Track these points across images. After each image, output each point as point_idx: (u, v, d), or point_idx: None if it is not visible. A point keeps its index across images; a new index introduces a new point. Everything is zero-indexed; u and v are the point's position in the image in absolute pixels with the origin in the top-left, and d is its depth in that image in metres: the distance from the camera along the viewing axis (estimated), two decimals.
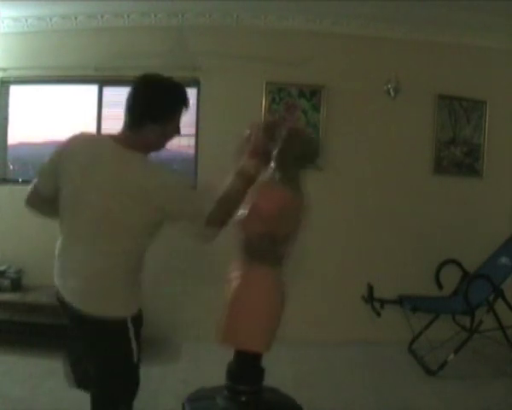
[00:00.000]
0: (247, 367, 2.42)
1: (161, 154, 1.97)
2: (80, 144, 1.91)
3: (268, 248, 2.26)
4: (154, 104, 1.74)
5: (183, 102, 1.80)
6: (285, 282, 2.39)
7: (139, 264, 1.81)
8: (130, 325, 1.74)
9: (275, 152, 2.29)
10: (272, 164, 2.30)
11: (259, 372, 2.48)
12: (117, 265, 1.73)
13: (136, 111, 1.74)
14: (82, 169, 1.75)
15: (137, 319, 1.79)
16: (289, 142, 2.30)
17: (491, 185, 4.18)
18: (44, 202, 1.89)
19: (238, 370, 2.43)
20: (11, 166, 4.27)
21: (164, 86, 1.78)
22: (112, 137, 1.79)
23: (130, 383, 1.84)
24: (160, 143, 1.84)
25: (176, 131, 1.84)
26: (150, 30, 3.92)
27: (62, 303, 1.80)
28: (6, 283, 3.73)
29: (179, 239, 3.67)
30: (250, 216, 2.22)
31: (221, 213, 1.78)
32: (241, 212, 2.18)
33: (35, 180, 1.91)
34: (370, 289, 3.49)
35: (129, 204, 1.68)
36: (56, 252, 1.84)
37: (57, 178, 1.82)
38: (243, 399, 2.39)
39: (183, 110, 1.81)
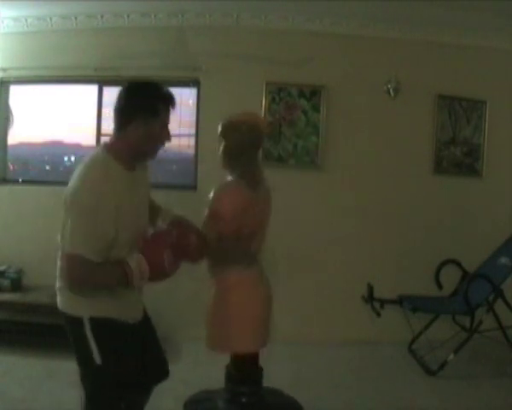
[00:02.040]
0: (244, 369, 2.41)
1: (161, 154, 1.96)
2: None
3: (236, 247, 2.17)
4: (133, 102, 1.75)
5: (164, 98, 1.78)
6: (265, 276, 2.34)
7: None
8: (86, 324, 1.75)
9: (219, 153, 2.25)
10: (221, 164, 2.25)
11: (257, 372, 2.47)
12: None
13: (119, 113, 1.76)
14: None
15: (100, 322, 1.77)
16: (227, 136, 2.21)
17: (491, 185, 4.19)
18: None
19: (236, 372, 2.42)
20: (11, 167, 4.27)
21: (143, 85, 1.82)
22: (103, 148, 1.79)
23: (97, 384, 1.84)
24: (146, 146, 1.79)
25: (163, 133, 1.80)
26: (150, 30, 3.92)
27: None
28: (6, 283, 3.73)
29: None
30: (211, 221, 2.13)
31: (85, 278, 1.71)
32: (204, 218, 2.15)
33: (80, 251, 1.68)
34: (370, 289, 3.49)
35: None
36: None
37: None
38: (244, 400, 2.39)
39: (166, 108, 1.79)
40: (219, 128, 2.25)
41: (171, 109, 1.82)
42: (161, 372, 2.10)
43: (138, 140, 1.75)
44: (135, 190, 1.81)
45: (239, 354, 2.34)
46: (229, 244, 2.15)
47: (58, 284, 1.83)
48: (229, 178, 2.24)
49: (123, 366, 1.82)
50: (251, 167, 2.22)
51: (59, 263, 1.80)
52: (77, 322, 1.77)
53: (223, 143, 2.23)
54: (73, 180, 1.71)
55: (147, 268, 1.71)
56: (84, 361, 1.82)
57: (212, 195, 2.17)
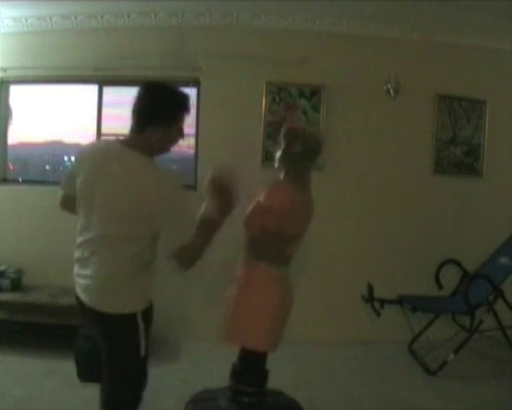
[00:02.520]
0: (251, 368, 2.41)
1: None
2: (93, 150, 1.96)
3: (275, 247, 2.25)
4: (156, 108, 1.80)
5: (184, 107, 1.85)
6: (290, 282, 2.38)
7: (144, 262, 1.85)
8: (139, 320, 1.82)
9: (278, 154, 2.33)
10: (277, 166, 2.33)
11: (263, 374, 2.47)
12: (122, 263, 1.80)
13: (140, 115, 1.81)
14: (94, 170, 1.81)
15: (146, 315, 1.86)
16: (290, 142, 2.29)
17: (491, 185, 4.18)
18: (71, 202, 1.91)
19: (242, 370, 2.42)
20: (11, 167, 4.27)
21: (166, 92, 1.84)
22: (120, 141, 1.87)
23: (136, 376, 1.90)
24: (163, 146, 1.88)
25: (179, 134, 1.89)
26: (150, 30, 3.92)
27: (77, 299, 1.91)
28: (6, 283, 3.72)
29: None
30: (257, 212, 2.21)
31: (187, 256, 1.84)
32: (249, 208, 2.22)
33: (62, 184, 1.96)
34: (370, 289, 3.49)
35: (130, 204, 1.75)
36: (76, 252, 1.90)
37: (75, 180, 1.86)
38: (246, 400, 2.39)
39: (185, 115, 1.86)
40: (282, 132, 2.35)
41: (189, 114, 1.89)
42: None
43: (156, 142, 1.82)
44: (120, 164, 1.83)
45: (249, 350, 2.35)
46: (269, 241, 2.22)
47: (109, 284, 1.81)
48: (280, 177, 2.34)
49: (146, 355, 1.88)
50: (304, 175, 2.33)
51: (106, 260, 1.79)
52: (128, 319, 1.81)
53: (283, 147, 2.32)
54: (146, 177, 1.76)
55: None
56: (128, 356, 1.85)
57: (265, 189, 2.24)
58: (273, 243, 2.23)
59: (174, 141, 1.90)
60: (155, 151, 1.87)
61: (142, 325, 1.83)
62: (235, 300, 2.29)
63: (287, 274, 2.36)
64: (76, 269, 1.89)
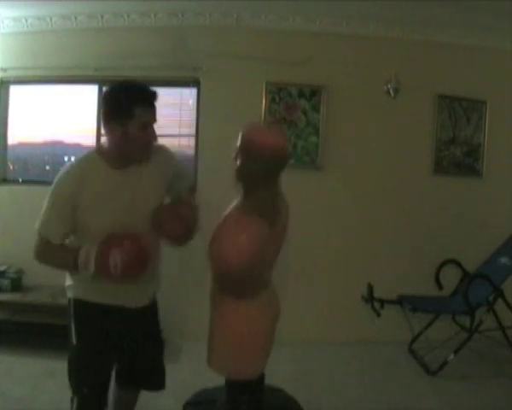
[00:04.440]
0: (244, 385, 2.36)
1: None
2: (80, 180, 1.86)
3: (245, 284, 1.88)
4: (108, 103, 1.78)
5: (139, 99, 1.74)
6: (274, 296, 2.10)
7: None
8: (71, 305, 1.96)
9: (235, 165, 1.82)
10: (234, 182, 1.85)
11: (258, 380, 2.45)
12: None
13: (102, 115, 1.82)
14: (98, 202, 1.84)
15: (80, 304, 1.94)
16: (249, 157, 1.76)
17: (491, 185, 4.18)
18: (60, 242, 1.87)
19: (236, 382, 2.38)
20: (11, 167, 4.26)
21: (119, 87, 1.79)
22: (98, 154, 1.88)
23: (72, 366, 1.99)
24: (127, 145, 1.78)
25: (142, 131, 1.76)
26: (150, 30, 3.92)
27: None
28: (6, 283, 3.73)
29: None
30: (220, 260, 1.77)
31: None
32: (212, 238, 1.81)
33: (43, 233, 1.85)
34: (370, 289, 3.49)
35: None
36: None
37: (74, 212, 1.84)
38: (243, 407, 2.36)
39: (142, 109, 1.74)
40: (239, 140, 1.80)
41: (151, 108, 1.78)
42: (149, 380, 2.18)
43: (117, 139, 1.77)
44: (124, 188, 1.84)
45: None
46: (238, 282, 1.85)
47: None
48: (241, 197, 1.88)
49: (89, 346, 1.94)
50: (271, 194, 1.85)
51: None
52: (69, 304, 1.98)
53: (242, 160, 1.79)
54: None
55: (92, 261, 1.74)
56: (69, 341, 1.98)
57: (221, 223, 1.83)
58: (242, 281, 1.84)
59: (140, 140, 1.77)
60: (122, 153, 1.80)
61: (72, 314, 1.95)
62: (214, 333, 2.04)
63: (268, 293, 2.04)
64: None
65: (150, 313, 2.14)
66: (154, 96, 1.78)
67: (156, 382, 2.21)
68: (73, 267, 1.78)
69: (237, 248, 1.71)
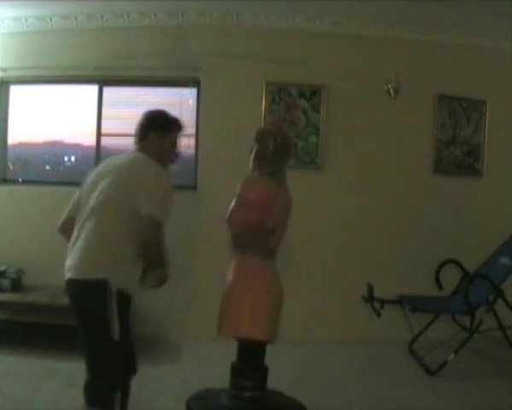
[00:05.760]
0: (250, 363, 2.43)
1: None
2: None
3: (257, 240, 2.34)
4: (154, 120, 2.25)
5: (175, 122, 2.28)
6: (278, 275, 2.44)
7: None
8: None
9: (252, 156, 2.47)
10: (251, 165, 2.47)
11: (263, 369, 2.48)
12: None
13: (142, 127, 2.23)
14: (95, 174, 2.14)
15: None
16: (262, 143, 2.46)
17: (491, 185, 4.19)
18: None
19: (242, 366, 2.43)
20: (11, 167, 4.26)
21: (161, 111, 2.31)
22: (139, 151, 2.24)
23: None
24: (162, 152, 2.18)
25: (172, 146, 2.24)
26: (150, 30, 3.92)
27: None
28: (6, 283, 3.72)
29: (178, 240, 3.67)
30: (237, 207, 2.36)
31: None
32: (230, 205, 2.39)
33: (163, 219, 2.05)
34: (370, 289, 3.49)
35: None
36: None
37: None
38: (247, 395, 2.39)
39: (176, 129, 2.27)
40: (255, 134, 2.52)
41: (181, 132, 2.30)
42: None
43: (155, 146, 2.17)
44: None
45: (247, 344, 2.36)
46: (251, 234, 2.34)
47: (81, 252, 1.97)
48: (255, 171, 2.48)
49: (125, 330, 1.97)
50: (278, 169, 2.45)
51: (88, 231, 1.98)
52: (99, 285, 1.93)
53: (256, 147, 2.47)
54: (138, 166, 2.09)
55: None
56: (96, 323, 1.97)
57: (240, 184, 2.39)
58: (255, 237, 2.34)
59: (170, 151, 2.24)
60: (156, 157, 2.14)
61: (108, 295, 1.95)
62: (228, 295, 2.37)
63: (274, 267, 2.44)
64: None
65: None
66: (183, 126, 2.33)
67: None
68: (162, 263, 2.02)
69: (254, 192, 2.35)
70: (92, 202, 2.02)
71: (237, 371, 2.45)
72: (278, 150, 2.45)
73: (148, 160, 2.12)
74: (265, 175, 2.41)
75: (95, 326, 1.97)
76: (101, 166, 2.23)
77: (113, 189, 2.01)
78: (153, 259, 1.99)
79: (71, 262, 2.00)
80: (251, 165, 2.48)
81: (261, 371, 2.47)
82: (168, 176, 2.13)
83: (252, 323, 2.30)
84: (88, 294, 1.96)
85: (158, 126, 2.23)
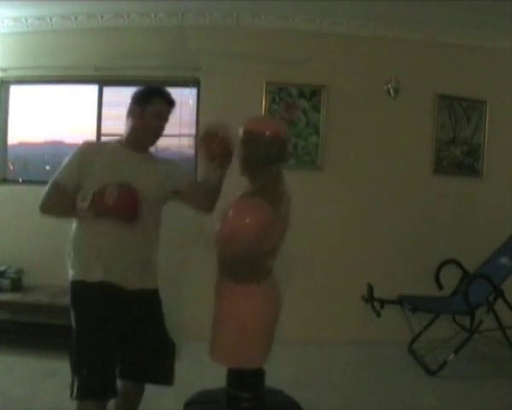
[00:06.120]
0: (246, 374, 2.39)
1: (161, 154, 2.02)
2: (98, 148, 2.21)
3: (252, 264, 1.99)
4: (135, 93, 2.16)
5: (157, 91, 2.13)
6: (277, 288, 2.19)
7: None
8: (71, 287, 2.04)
9: (239, 159, 2.00)
10: (240, 172, 2.01)
11: (259, 377, 2.45)
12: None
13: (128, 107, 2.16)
14: (106, 167, 2.05)
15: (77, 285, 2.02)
16: (249, 146, 1.94)
17: (491, 185, 4.19)
18: (64, 198, 2.10)
19: (237, 377, 2.40)
20: (11, 167, 4.26)
21: (145, 87, 2.19)
22: (116, 140, 2.20)
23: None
24: (141, 127, 2.09)
25: (155, 119, 2.09)
26: (150, 30, 3.92)
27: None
28: (6, 283, 3.72)
29: (178, 240, 3.66)
30: (227, 238, 1.94)
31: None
32: (219, 225, 1.96)
33: (57, 178, 2.12)
34: (370, 289, 3.49)
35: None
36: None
37: (82, 174, 2.06)
38: (244, 405, 2.36)
39: (159, 100, 2.10)
40: (240, 134, 1.97)
41: (168, 106, 2.12)
42: (153, 374, 2.16)
43: (135, 120, 2.09)
44: (132, 168, 2.07)
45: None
46: (243, 261, 1.97)
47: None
48: (247, 188, 2.03)
49: (90, 328, 1.97)
50: (274, 182, 1.99)
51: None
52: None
53: (244, 151, 1.97)
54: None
55: (90, 196, 1.96)
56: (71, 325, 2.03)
57: (227, 209, 1.92)
58: (248, 263, 1.97)
59: (152, 125, 2.09)
60: (139, 136, 2.10)
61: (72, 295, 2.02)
62: (219, 321, 2.13)
63: (270, 283, 2.13)
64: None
65: (152, 302, 2.18)
66: (172, 99, 2.14)
67: (161, 376, 2.19)
68: (71, 207, 2.03)
69: (244, 227, 1.87)
70: None
71: (232, 380, 2.41)
72: (272, 158, 1.94)
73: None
74: (259, 197, 1.90)
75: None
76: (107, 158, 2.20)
77: None
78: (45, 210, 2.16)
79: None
80: (240, 171, 2.00)
81: (257, 381, 2.42)
82: (84, 148, 2.10)
83: (242, 353, 2.10)
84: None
85: (137, 98, 2.12)
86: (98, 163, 2.03)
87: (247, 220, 1.88)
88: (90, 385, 1.92)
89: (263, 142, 1.92)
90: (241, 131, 1.96)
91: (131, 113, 2.12)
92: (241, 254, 1.94)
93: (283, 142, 1.99)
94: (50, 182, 2.10)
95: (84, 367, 1.93)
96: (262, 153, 1.93)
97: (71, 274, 2.05)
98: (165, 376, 2.20)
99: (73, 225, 2.11)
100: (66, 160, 2.09)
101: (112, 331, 1.98)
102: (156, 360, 2.14)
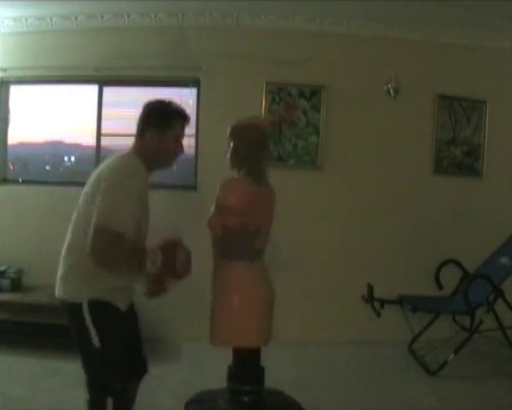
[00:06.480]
0: (246, 367, 2.41)
1: None
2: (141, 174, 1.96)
3: (242, 242, 2.23)
4: (152, 113, 2.00)
5: (177, 113, 2.01)
6: (267, 274, 2.36)
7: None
8: (84, 307, 1.84)
9: (228, 154, 2.31)
10: (230, 166, 2.32)
11: (260, 372, 2.47)
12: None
13: (140, 122, 2.00)
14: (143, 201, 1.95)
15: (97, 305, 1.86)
16: (235, 139, 2.29)
17: (491, 185, 4.19)
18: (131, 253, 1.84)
19: (238, 371, 2.42)
20: (11, 167, 4.27)
21: (161, 102, 2.03)
22: (138, 158, 1.97)
23: (98, 367, 1.92)
24: (162, 151, 1.98)
25: (175, 142, 2.00)
26: (150, 30, 3.92)
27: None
28: (6, 283, 3.73)
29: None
30: (218, 212, 2.23)
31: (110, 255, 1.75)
32: (211, 210, 2.25)
33: (115, 224, 1.75)
34: (370, 289, 3.49)
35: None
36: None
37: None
38: (245, 399, 2.38)
39: (179, 122, 2.00)
40: (228, 130, 2.32)
41: (185, 124, 2.03)
42: (142, 367, 2.15)
43: (154, 144, 1.96)
44: (149, 191, 2.00)
45: (241, 350, 2.35)
46: (235, 238, 2.21)
47: (61, 273, 1.91)
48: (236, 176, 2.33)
49: (118, 347, 1.91)
50: (256, 167, 2.29)
51: (64, 251, 1.91)
52: (77, 308, 1.85)
53: (231, 145, 2.30)
54: (107, 167, 1.88)
55: (159, 259, 1.80)
56: (85, 347, 1.89)
57: (218, 189, 2.24)
58: (239, 240, 2.22)
59: (172, 149, 2.00)
60: (155, 157, 1.97)
61: (87, 316, 1.84)
62: (217, 304, 2.28)
63: (262, 267, 2.34)
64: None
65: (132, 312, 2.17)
66: (188, 115, 2.05)
67: (146, 368, 2.19)
68: (138, 266, 1.79)
69: (232, 195, 2.19)
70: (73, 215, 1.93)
71: (234, 376, 2.43)
72: (254, 145, 2.27)
73: (123, 159, 1.93)
74: (244, 176, 2.26)
75: None
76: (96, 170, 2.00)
77: (80, 201, 1.90)
78: (105, 268, 1.77)
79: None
80: (230, 164, 2.33)
81: (257, 375, 2.45)
82: (132, 175, 1.84)
83: (243, 331, 2.23)
84: None
85: (156, 120, 1.97)
86: (139, 194, 1.87)
87: (235, 189, 2.21)
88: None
89: (245, 132, 2.27)
90: (228, 129, 2.30)
91: (150, 136, 1.96)
92: (232, 228, 2.17)
93: (262, 131, 2.34)
94: (103, 229, 1.72)
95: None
96: (245, 143, 2.26)
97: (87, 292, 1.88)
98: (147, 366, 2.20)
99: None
100: (116, 192, 1.78)
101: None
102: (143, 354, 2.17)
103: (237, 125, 2.32)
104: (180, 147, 2.03)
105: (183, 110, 2.03)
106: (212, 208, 2.28)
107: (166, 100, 2.04)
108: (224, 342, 2.29)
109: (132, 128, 2.10)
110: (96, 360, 1.90)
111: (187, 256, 1.91)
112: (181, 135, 2.04)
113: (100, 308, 1.86)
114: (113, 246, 1.72)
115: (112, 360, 1.91)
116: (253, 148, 2.27)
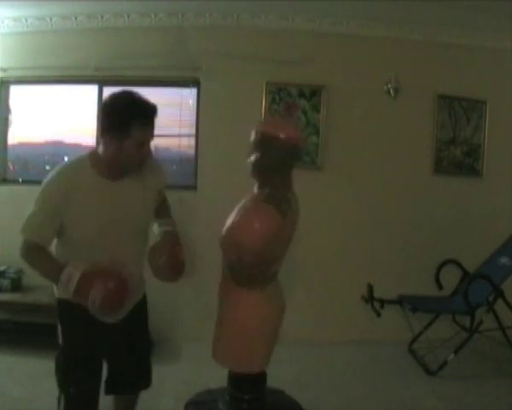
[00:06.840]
0: (247, 376, 2.38)
1: (161, 154, 1.99)
2: (75, 182, 1.83)
3: (256, 271, 1.97)
4: (107, 115, 1.77)
5: (139, 118, 1.73)
6: (280, 293, 2.19)
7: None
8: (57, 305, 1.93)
9: (251, 160, 1.95)
10: (250, 173, 1.98)
11: (261, 378, 2.45)
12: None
13: (100, 123, 1.83)
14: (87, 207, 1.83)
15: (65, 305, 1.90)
16: (264, 150, 1.91)
17: (491, 185, 4.19)
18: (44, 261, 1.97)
19: (238, 379, 2.39)
20: (11, 167, 4.26)
21: (118, 97, 1.77)
22: (90, 162, 1.85)
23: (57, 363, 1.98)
24: (121, 160, 1.78)
25: (137, 148, 1.76)
26: (150, 30, 3.92)
27: None
28: (6, 283, 3.72)
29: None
30: (237, 239, 1.90)
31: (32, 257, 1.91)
32: (226, 227, 1.96)
33: (32, 232, 1.93)
34: (370, 289, 3.50)
35: None
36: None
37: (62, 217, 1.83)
38: (245, 406, 2.36)
39: (140, 127, 1.74)
40: (253, 136, 1.94)
41: (149, 126, 1.78)
42: (136, 381, 2.15)
43: (111, 153, 1.77)
44: (112, 199, 1.84)
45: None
46: (249, 265, 1.93)
47: None
48: (256, 189, 2.01)
49: (77, 349, 1.93)
50: (283, 182, 2.00)
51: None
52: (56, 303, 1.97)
53: (257, 154, 1.92)
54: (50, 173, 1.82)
55: (73, 285, 1.75)
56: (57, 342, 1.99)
57: (236, 211, 1.94)
58: (253, 268, 1.93)
59: (134, 155, 1.77)
60: (113, 165, 1.81)
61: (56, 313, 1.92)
62: (222, 325, 2.13)
63: (274, 288, 2.12)
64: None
65: (138, 312, 2.10)
66: (153, 113, 1.77)
67: (143, 382, 2.18)
68: (54, 280, 1.85)
69: (252, 233, 1.82)
70: None
71: (234, 382, 2.41)
72: (286, 162, 1.94)
73: (66, 163, 1.88)
74: (268, 202, 1.88)
75: None
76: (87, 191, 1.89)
77: None
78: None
79: None
80: (250, 173, 1.97)
81: (258, 383, 2.42)
82: (57, 181, 1.75)
83: (244, 358, 2.11)
84: None
85: (114, 126, 1.72)
86: (78, 201, 1.78)
87: (257, 227, 1.83)
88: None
89: (277, 145, 1.89)
90: (253, 133, 1.93)
91: (106, 143, 1.77)
92: (247, 259, 1.89)
93: (297, 146, 1.96)
94: (23, 237, 1.92)
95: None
96: (275, 156, 1.90)
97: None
98: (145, 380, 2.20)
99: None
100: (38, 197, 1.82)
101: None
102: (137, 367, 2.13)
103: (268, 134, 1.91)
104: (145, 152, 1.79)
105: (145, 108, 1.75)
106: (226, 226, 1.96)
107: (128, 96, 1.76)
108: (223, 362, 2.22)
109: None
110: (57, 356, 1.98)
111: (103, 298, 1.70)
112: (145, 138, 1.78)
113: (66, 307, 1.92)
114: (29, 256, 1.92)
115: (67, 359, 1.94)
116: (284, 164, 1.95)
